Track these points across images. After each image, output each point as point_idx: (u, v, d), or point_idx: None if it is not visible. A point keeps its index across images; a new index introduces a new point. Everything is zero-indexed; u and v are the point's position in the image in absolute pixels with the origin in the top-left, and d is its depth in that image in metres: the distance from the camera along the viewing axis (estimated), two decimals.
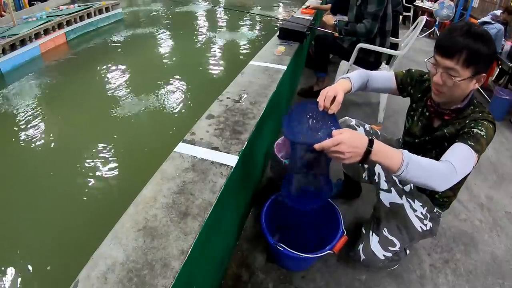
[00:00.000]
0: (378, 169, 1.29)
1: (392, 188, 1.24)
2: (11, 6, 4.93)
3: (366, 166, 1.30)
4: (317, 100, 0.97)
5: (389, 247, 1.19)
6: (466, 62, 0.88)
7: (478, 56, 0.87)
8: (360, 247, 1.24)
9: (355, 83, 1.11)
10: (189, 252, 0.75)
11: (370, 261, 1.21)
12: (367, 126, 1.33)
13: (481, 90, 3.59)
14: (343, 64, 2.48)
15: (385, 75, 1.23)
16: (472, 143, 0.88)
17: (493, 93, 3.09)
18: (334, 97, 0.96)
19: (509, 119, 2.95)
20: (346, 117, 1.36)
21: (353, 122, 1.32)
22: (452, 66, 0.89)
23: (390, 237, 1.19)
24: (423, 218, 1.18)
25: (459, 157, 0.87)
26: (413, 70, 1.21)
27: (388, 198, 1.24)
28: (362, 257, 1.22)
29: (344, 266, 1.38)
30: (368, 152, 0.79)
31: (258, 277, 1.31)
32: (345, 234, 1.19)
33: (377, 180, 1.28)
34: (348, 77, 1.11)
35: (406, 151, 0.83)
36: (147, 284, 0.67)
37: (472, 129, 0.92)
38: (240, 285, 1.27)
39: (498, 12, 3.51)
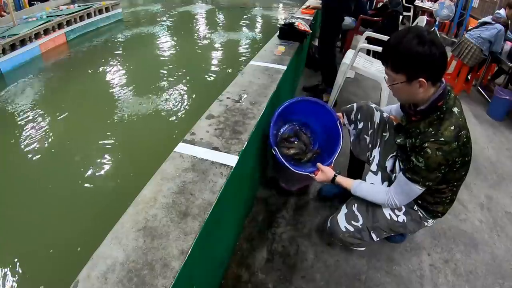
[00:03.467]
0: (375, 151, 1.35)
1: (379, 172, 1.30)
2: (11, 6, 4.92)
3: (370, 146, 1.38)
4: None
5: (352, 221, 1.23)
6: (394, 68, 0.96)
7: (405, 62, 0.94)
8: (331, 217, 1.30)
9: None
10: (189, 252, 0.75)
11: (332, 230, 1.26)
12: (385, 114, 1.38)
13: (481, 90, 3.59)
14: (343, 65, 2.48)
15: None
16: (409, 176, 1.04)
17: (493, 93, 3.09)
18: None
19: (509, 118, 2.95)
20: (369, 101, 1.44)
21: (373, 105, 1.40)
22: (387, 72, 1.00)
23: (356, 212, 1.24)
24: (394, 207, 1.20)
25: (398, 190, 1.11)
26: None
27: (371, 179, 1.30)
28: (328, 224, 1.29)
29: (344, 266, 1.38)
30: (333, 181, 1.29)
31: (258, 277, 1.31)
32: (332, 165, 1.39)
33: (371, 162, 1.36)
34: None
35: (357, 182, 1.24)
36: (147, 284, 0.67)
37: (413, 160, 1.01)
38: (240, 285, 1.27)
39: (502, 11, 3.48)
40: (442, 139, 0.95)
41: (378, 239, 1.25)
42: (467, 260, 1.47)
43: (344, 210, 1.27)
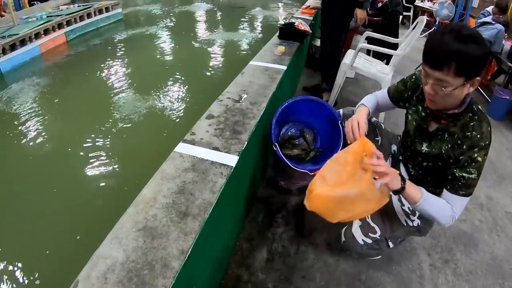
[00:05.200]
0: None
1: None
2: (11, 6, 4.92)
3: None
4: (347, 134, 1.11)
5: (369, 233, 1.19)
6: (457, 71, 0.84)
7: (469, 63, 0.84)
8: (343, 229, 1.26)
9: (371, 106, 1.24)
10: (189, 252, 0.75)
11: (349, 244, 1.22)
12: (373, 119, 1.35)
13: (481, 90, 3.59)
14: (343, 65, 2.48)
15: (383, 94, 1.28)
16: (464, 192, 0.98)
17: (493, 93, 3.09)
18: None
19: (509, 118, 2.95)
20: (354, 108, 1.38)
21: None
22: (443, 78, 0.86)
23: (372, 223, 1.20)
24: (409, 213, 1.18)
25: (457, 205, 1.00)
26: (404, 78, 1.21)
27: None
28: (343, 239, 1.24)
29: (344, 266, 1.38)
30: (403, 186, 0.96)
31: (258, 277, 1.31)
32: None
33: None
34: (363, 103, 1.24)
35: (424, 191, 0.99)
36: (147, 284, 0.67)
37: (463, 176, 0.95)
38: (240, 285, 1.27)
39: (490, 9, 3.51)
40: (487, 142, 0.94)
41: (393, 245, 1.24)
42: (467, 260, 1.47)
43: (357, 222, 1.21)
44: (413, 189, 0.98)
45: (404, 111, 1.25)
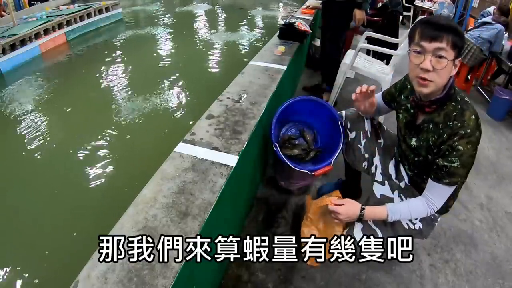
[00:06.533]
0: (376, 160, 1.31)
1: (386, 182, 1.26)
2: (11, 6, 4.92)
3: (366, 156, 1.32)
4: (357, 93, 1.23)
5: (370, 237, 1.18)
6: (453, 42, 0.92)
7: (460, 38, 0.93)
8: (344, 232, 1.25)
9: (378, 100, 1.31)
10: None
11: None
12: (375, 120, 1.36)
13: (481, 90, 3.59)
14: (343, 65, 2.48)
15: (379, 96, 1.34)
16: (448, 181, 0.98)
17: (493, 93, 3.09)
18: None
19: (509, 118, 2.95)
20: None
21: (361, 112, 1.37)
22: (443, 47, 0.92)
23: (373, 226, 1.19)
24: (434, 214, 1.16)
25: (437, 194, 1.04)
26: (397, 81, 1.25)
27: (380, 190, 1.26)
28: None
29: (344, 266, 1.37)
30: (360, 218, 1.11)
31: (258, 277, 1.31)
32: (331, 165, 1.38)
33: (373, 171, 1.30)
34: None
35: (390, 206, 1.09)
36: (147, 284, 0.67)
37: (445, 165, 0.97)
38: (240, 285, 1.27)
39: (491, 9, 3.52)
40: (469, 130, 0.93)
41: None
42: (467, 260, 1.47)
43: (359, 225, 1.20)
44: (376, 213, 1.10)
45: None
